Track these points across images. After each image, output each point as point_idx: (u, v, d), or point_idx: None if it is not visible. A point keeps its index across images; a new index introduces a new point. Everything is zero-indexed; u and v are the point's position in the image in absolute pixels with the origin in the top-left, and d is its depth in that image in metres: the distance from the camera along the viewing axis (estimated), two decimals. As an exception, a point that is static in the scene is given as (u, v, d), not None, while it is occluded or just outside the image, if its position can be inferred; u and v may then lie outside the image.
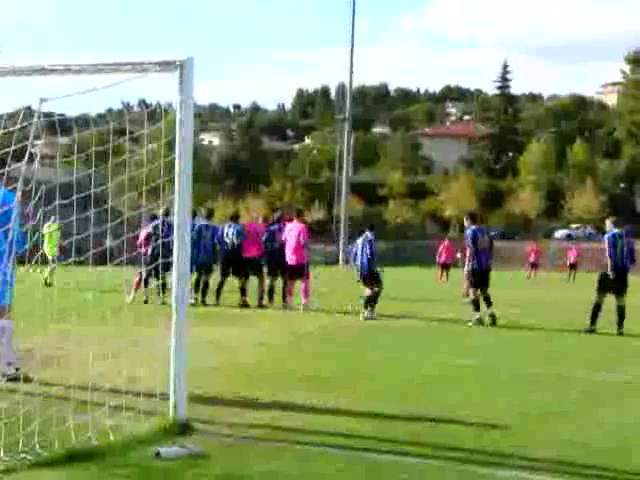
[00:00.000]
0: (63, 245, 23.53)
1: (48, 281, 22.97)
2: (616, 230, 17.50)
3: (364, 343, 14.54)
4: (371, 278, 18.87)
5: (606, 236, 17.41)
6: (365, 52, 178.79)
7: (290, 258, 20.30)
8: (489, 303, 17.94)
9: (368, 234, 19.18)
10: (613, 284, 17.02)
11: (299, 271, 20.35)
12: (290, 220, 21.42)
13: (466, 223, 18.76)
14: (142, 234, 19.98)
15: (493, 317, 17.69)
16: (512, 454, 7.19)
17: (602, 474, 6.79)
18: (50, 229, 22.70)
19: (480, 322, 17.65)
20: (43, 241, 22.65)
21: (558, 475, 6.69)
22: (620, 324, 16.84)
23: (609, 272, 17.02)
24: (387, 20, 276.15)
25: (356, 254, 19.05)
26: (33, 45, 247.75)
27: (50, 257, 23.96)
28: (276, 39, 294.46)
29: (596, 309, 17.01)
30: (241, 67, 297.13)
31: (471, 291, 18.25)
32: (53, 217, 21.44)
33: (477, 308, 17.84)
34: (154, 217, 19.55)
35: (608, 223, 17.97)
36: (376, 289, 18.76)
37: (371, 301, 18.63)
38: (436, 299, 21.85)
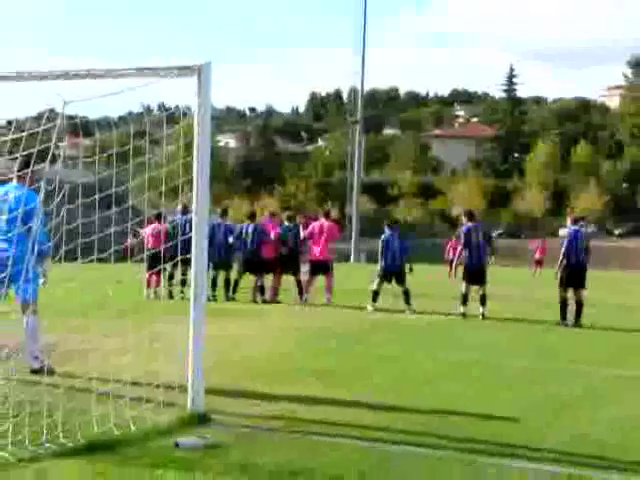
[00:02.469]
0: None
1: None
2: (575, 227, 17.76)
3: (374, 339, 14.51)
4: (404, 274, 19.06)
5: (567, 232, 17.60)
6: (376, 57, 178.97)
7: (316, 255, 20.41)
8: (483, 302, 17.76)
9: (394, 232, 19.31)
10: (571, 279, 17.31)
11: (324, 266, 20.41)
12: (313, 219, 21.58)
13: (464, 220, 18.72)
14: (149, 231, 19.96)
15: (483, 316, 17.60)
16: (517, 445, 7.18)
17: (604, 465, 6.77)
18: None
19: (464, 316, 17.62)
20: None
21: (562, 465, 6.68)
22: (578, 316, 17.05)
23: (559, 268, 17.44)
24: (395, 25, 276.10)
25: (388, 251, 19.00)
26: (46, 43, 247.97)
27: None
28: (290, 44, 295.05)
29: (563, 304, 17.32)
30: (256, 70, 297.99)
31: (463, 285, 18.19)
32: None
33: (464, 302, 17.82)
34: (185, 210, 19.07)
35: (568, 219, 18.26)
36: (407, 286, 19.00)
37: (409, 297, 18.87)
38: (443, 296, 21.80)
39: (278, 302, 20.15)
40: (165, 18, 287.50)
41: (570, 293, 17.36)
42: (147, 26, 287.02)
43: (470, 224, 18.22)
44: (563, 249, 17.49)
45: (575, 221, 18.01)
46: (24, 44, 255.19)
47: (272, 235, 20.68)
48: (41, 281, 9.43)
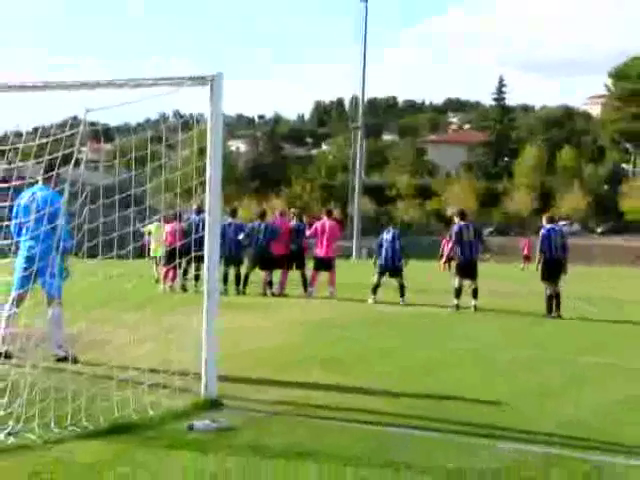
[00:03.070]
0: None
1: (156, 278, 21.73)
2: (548, 226, 17.76)
3: (375, 330, 14.47)
4: (399, 270, 19.17)
5: (541, 231, 17.71)
6: (376, 68, 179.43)
7: (320, 252, 20.44)
8: (475, 295, 17.72)
9: (388, 233, 19.34)
10: (549, 273, 17.36)
11: (327, 263, 20.40)
12: (317, 219, 21.56)
13: (456, 219, 18.67)
14: (169, 230, 19.93)
15: (475, 308, 17.55)
16: (508, 428, 7.17)
17: (588, 446, 6.75)
18: (149, 229, 20.85)
19: (457, 308, 17.59)
20: (149, 241, 21.32)
21: (549, 446, 6.67)
22: (557, 308, 17.11)
23: (538, 264, 17.55)
24: (394, 39, 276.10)
25: (381, 247, 19.15)
26: (46, 43, 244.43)
27: (157, 256, 21.91)
28: (291, 45, 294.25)
29: (549, 298, 17.31)
30: (266, 80, 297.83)
31: (456, 280, 18.14)
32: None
33: (457, 295, 17.77)
34: (200, 211, 18.97)
35: (544, 219, 18.29)
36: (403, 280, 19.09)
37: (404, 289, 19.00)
38: (438, 290, 21.74)
39: (285, 295, 20.11)
40: (165, 18, 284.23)
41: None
42: (147, 26, 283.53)
43: (462, 223, 18.21)
44: (538, 247, 17.64)
45: (551, 220, 18.04)
46: (24, 44, 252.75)
47: (291, 225, 20.76)
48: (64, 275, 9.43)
